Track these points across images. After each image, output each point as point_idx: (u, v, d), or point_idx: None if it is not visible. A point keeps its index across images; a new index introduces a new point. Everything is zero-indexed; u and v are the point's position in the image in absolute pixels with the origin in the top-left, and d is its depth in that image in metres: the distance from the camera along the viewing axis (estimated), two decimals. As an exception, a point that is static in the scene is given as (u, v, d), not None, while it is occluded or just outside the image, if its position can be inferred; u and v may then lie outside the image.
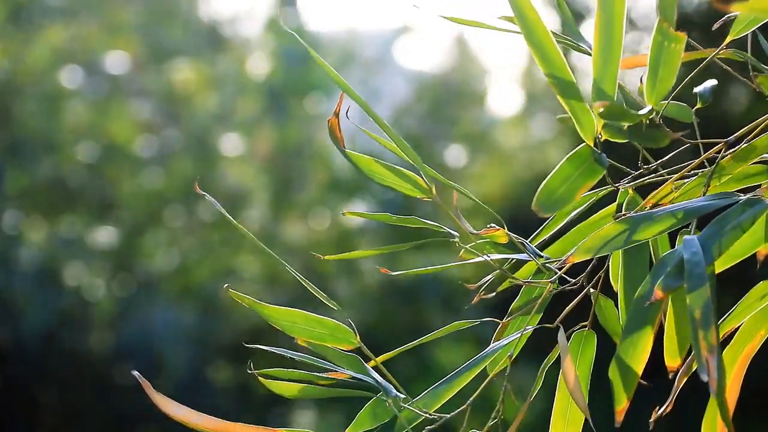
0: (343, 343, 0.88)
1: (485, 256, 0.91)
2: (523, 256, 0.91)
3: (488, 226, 0.91)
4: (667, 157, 0.95)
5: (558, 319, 0.90)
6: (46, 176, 5.68)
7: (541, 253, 0.92)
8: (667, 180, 0.91)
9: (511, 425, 0.88)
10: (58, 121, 5.69)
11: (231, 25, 6.74)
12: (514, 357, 0.91)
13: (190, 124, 6.14)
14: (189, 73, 6.21)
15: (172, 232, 5.87)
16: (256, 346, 0.91)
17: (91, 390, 5.34)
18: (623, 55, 0.84)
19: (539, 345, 0.94)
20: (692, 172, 0.92)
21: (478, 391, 0.88)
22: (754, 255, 0.88)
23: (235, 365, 5.55)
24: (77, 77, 5.99)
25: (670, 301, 0.85)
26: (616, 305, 0.93)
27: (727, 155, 0.90)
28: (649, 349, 0.82)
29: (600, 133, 0.84)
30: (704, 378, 0.71)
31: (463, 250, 0.92)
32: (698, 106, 0.94)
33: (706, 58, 0.96)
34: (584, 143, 0.84)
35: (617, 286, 0.93)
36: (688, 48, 0.93)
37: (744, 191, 0.84)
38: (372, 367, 0.88)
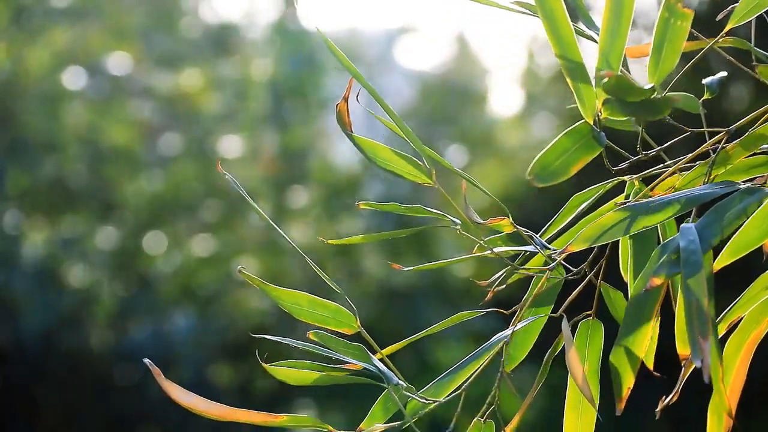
0: (345, 327, 0.90)
1: (491, 249, 0.91)
2: (529, 248, 0.91)
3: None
4: (669, 143, 0.95)
5: (561, 308, 0.90)
6: (47, 177, 5.68)
7: (548, 245, 0.92)
8: (674, 173, 0.91)
9: (513, 418, 0.88)
10: (60, 122, 5.69)
11: (234, 28, 6.74)
12: (527, 351, 0.91)
13: (192, 126, 6.14)
14: (192, 76, 6.21)
15: (174, 234, 5.87)
16: (262, 336, 0.91)
17: (91, 390, 5.34)
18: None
19: (543, 342, 0.94)
20: (695, 163, 0.91)
21: (473, 374, 0.89)
22: (761, 248, 0.88)
23: (235, 366, 5.55)
24: (80, 78, 5.99)
25: (680, 289, 0.84)
26: (626, 296, 0.92)
27: (729, 145, 0.89)
28: (650, 336, 0.83)
29: (600, 111, 0.84)
30: (697, 364, 0.71)
31: (477, 245, 0.92)
32: (705, 96, 0.93)
33: (707, 49, 0.95)
34: (583, 120, 0.84)
35: (627, 276, 0.93)
36: (689, 39, 0.93)
37: (748, 182, 0.84)
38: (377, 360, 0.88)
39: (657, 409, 0.89)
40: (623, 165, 0.93)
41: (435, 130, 6.74)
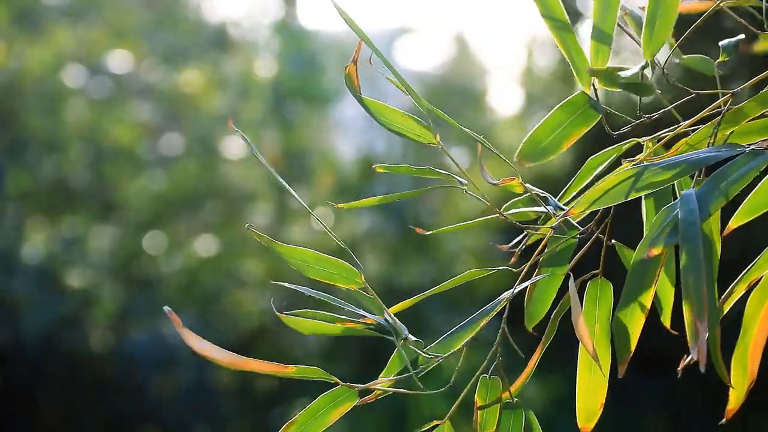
0: (351, 283, 0.91)
1: (501, 213, 0.91)
2: (540, 209, 0.91)
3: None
4: (674, 104, 0.94)
5: (568, 267, 0.89)
6: (48, 177, 5.68)
7: (560, 205, 0.92)
8: (681, 133, 0.90)
9: (519, 377, 0.87)
10: (61, 121, 5.69)
11: (236, 28, 6.74)
12: (547, 308, 0.90)
13: (194, 125, 6.14)
14: (193, 75, 6.21)
15: (175, 234, 5.87)
16: (279, 282, 0.92)
17: (91, 391, 5.34)
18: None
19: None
20: (704, 125, 0.90)
21: (479, 327, 0.89)
22: None
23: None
24: (81, 78, 5.99)
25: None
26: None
27: (735, 107, 0.88)
28: (650, 304, 0.82)
29: (595, 81, 0.84)
30: (694, 354, 0.69)
31: (493, 215, 0.93)
32: (721, 59, 0.92)
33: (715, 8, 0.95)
34: (580, 91, 0.84)
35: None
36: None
37: (753, 145, 0.83)
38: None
39: (678, 368, 0.88)
40: (626, 128, 0.92)
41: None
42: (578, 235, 0.91)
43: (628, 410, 4.28)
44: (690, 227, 0.73)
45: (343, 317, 0.89)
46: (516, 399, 0.89)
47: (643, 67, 0.81)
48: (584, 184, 0.95)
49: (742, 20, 0.95)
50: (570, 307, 0.83)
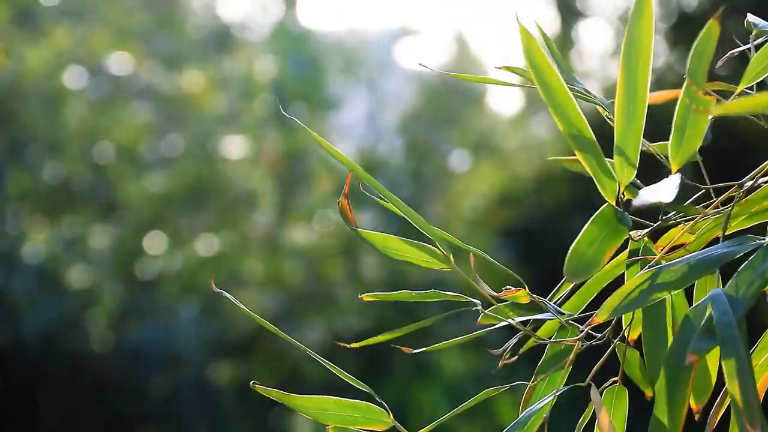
0: (378, 425, 0.87)
1: (509, 320, 0.89)
2: (545, 316, 0.89)
3: (506, 287, 0.90)
4: (687, 202, 0.93)
5: (589, 377, 0.88)
6: (48, 177, 5.68)
7: (563, 311, 0.91)
8: (679, 223, 0.89)
9: None
10: (62, 122, 5.69)
11: (237, 29, 6.74)
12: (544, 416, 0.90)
13: (195, 126, 6.14)
14: (194, 76, 6.21)
15: (175, 234, 5.87)
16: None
17: (91, 391, 5.34)
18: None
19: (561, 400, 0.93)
20: (695, 216, 0.90)
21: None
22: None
23: (236, 366, 5.55)
24: (81, 79, 5.99)
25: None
26: (641, 353, 0.91)
27: (741, 200, 0.88)
28: (686, 410, 0.80)
29: (623, 193, 0.83)
30: None
31: (481, 315, 0.91)
32: (699, 144, 0.92)
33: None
34: (607, 203, 0.83)
35: (633, 334, 0.92)
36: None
37: (759, 226, 0.83)
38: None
39: None
40: (644, 233, 0.90)
41: (438, 134, 6.74)
42: (597, 342, 0.90)
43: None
44: (727, 329, 0.73)
45: None
46: None
47: (677, 184, 0.80)
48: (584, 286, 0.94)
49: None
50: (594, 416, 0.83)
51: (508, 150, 6.59)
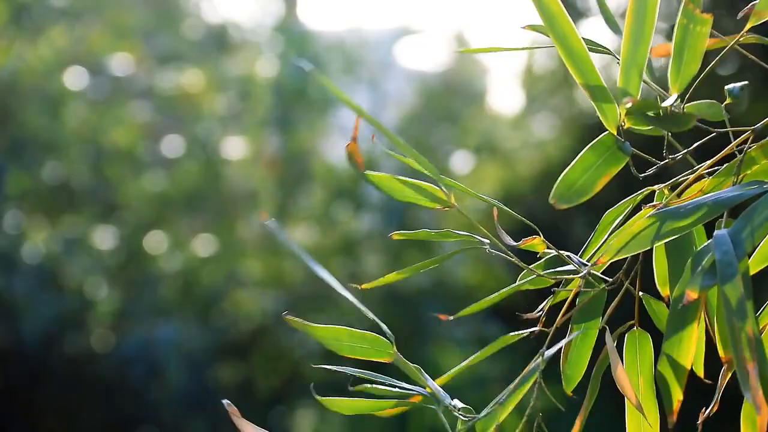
0: (383, 356, 0.90)
1: (534, 271, 0.89)
2: (568, 267, 0.89)
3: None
4: (695, 145, 0.93)
5: (602, 321, 0.88)
6: (48, 177, 5.68)
7: (583, 261, 0.90)
8: (702, 177, 0.89)
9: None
10: (61, 122, 5.68)
11: (237, 29, 6.73)
12: (584, 369, 0.89)
13: (195, 126, 6.13)
14: (194, 76, 6.20)
15: (176, 234, 5.87)
16: (322, 366, 0.92)
17: (91, 392, 5.33)
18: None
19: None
20: (722, 166, 0.89)
21: (518, 398, 0.86)
22: None
23: (236, 365, 5.55)
24: (81, 78, 5.99)
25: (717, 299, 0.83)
26: (667, 306, 0.90)
27: (755, 144, 0.87)
28: (695, 346, 0.81)
29: (623, 121, 0.83)
30: (748, 398, 0.68)
31: (521, 282, 0.91)
32: (728, 101, 0.92)
33: (728, 48, 0.94)
34: (607, 131, 0.83)
35: (662, 287, 0.91)
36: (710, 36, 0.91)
37: None
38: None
39: (698, 422, 0.87)
40: (650, 171, 0.91)
41: (437, 131, 6.73)
42: (608, 287, 0.90)
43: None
44: (728, 268, 0.73)
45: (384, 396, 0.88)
46: None
47: (675, 102, 0.80)
48: (605, 237, 0.93)
49: (753, 56, 0.94)
50: (609, 362, 0.82)
51: (509, 150, 6.58)
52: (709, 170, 0.90)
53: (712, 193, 0.82)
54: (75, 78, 5.95)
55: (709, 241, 0.77)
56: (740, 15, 0.91)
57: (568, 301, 0.90)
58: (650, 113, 0.80)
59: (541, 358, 0.86)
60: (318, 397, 0.87)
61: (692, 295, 0.75)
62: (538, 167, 5.80)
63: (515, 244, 0.90)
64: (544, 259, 0.92)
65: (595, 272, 0.89)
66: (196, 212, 5.99)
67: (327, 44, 6.83)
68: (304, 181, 6.17)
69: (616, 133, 0.83)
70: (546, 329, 0.91)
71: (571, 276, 0.89)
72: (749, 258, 0.81)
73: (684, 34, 0.83)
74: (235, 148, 6.24)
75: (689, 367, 0.80)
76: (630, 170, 0.90)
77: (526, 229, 0.94)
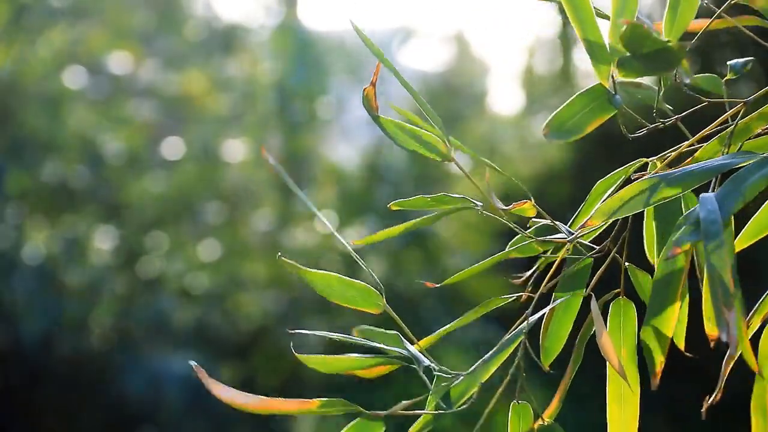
0: (372, 307, 0.90)
1: (516, 227, 0.91)
2: (558, 236, 0.90)
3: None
4: (686, 112, 0.94)
5: (588, 288, 0.88)
6: (48, 177, 5.68)
7: (569, 230, 0.91)
8: (691, 148, 0.90)
9: (550, 403, 0.86)
10: (61, 122, 5.68)
11: (239, 30, 6.73)
12: (564, 341, 0.89)
13: (196, 127, 6.13)
14: (196, 77, 6.20)
15: (177, 236, 5.87)
16: (298, 330, 0.93)
17: (91, 392, 5.33)
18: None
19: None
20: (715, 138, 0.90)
21: (496, 366, 0.87)
22: None
23: (237, 366, 5.55)
24: (81, 79, 5.99)
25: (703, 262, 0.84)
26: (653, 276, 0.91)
27: (747, 117, 0.88)
28: (678, 310, 0.82)
29: (614, 72, 0.85)
30: (723, 337, 0.70)
31: (510, 244, 0.92)
32: (729, 77, 0.92)
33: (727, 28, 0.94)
34: (599, 83, 0.85)
35: (652, 256, 0.92)
36: (709, 15, 0.93)
37: None
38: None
39: (702, 410, 0.87)
40: (640, 132, 0.92)
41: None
42: (594, 255, 0.90)
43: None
44: (712, 225, 0.74)
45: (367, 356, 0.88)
46: (550, 422, 0.87)
47: (668, 41, 0.81)
48: (597, 205, 0.94)
49: (753, 35, 0.95)
50: (593, 330, 0.83)
51: (509, 150, 6.58)
52: (701, 144, 0.90)
53: (702, 162, 0.83)
54: (75, 78, 5.95)
55: (697, 205, 0.78)
56: None
57: (554, 267, 0.91)
58: (642, 50, 0.80)
59: (526, 321, 0.86)
60: (296, 354, 0.87)
61: (678, 250, 0.76)
62: (538, 168, 5.80)
63: (506, 207, 0.92)
64: (534, 227, 0.93)
65: (582, 241, 0.90)
66: (197, 214, 5.99)
67: (328, 45, 6.83)
68: (306, 182, 6.17)
69: (608, 86, 0.85)
70: (532, 294, 0.91)
71: (561, 241, 0.90)
72: (743, 231, 0.83)
73: None
74: (236, 149, 6.24)
75: (672, 331, 0.82)
76: (632, 154, 0.90)
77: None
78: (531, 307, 0.88)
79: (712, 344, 0.84)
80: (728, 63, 0.92)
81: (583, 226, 0.86)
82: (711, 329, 0.85)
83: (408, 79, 0.95)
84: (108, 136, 5.78)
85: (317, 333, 0.90)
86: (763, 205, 0.80)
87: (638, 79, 0.92)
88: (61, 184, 5.71)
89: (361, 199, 5.99)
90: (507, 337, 0.86)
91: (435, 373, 0.87)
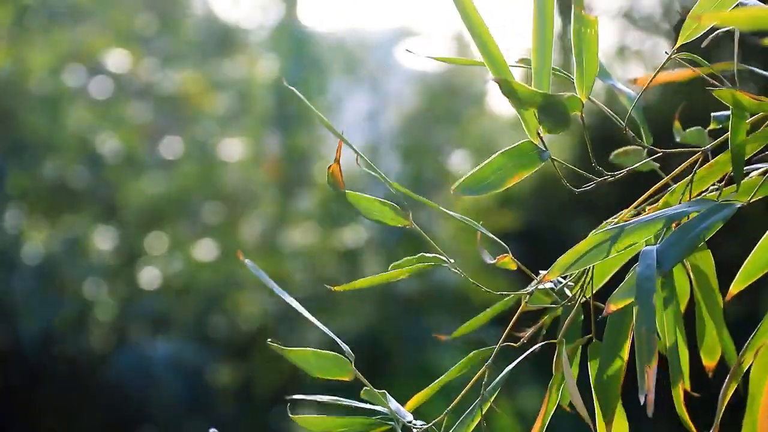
0: (344, 374, 0.96)
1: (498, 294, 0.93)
2: (530, 289, 0.94)
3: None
4: (618, 173, 0.96)
5: (561, 334, 0.90)
6: (48, 177, 5.68)
7: (545, 284, 0.93)
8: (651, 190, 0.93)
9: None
10: (61, 122, 5.69)
11: (237, 30, 6.73)
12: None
13: (194, 127, 6.13)
14: (194, 77, 6.20)
15: (175, 236, 5.87)
16: (296, 397, 0.97)
17: (90, 392, 5.33)
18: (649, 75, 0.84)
19: (543, 366, 0.94)
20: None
21: (467, 388, 0.93)
22: None
23: (235, 367, 5.55)
24: (81, 79, 5.99)
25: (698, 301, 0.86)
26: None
27: (705, 165, 0.91)
28: (626, 360, 0.84)
29: (540, 129, 0.89)
30: (641, 398, 0.72)
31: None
32: (712, 126, 0.95)
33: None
34: (527, 140, 0.89)
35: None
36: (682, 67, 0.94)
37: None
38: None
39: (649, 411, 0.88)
40: (591, 184, 0.95)
41: (436, 132, 6.73)
42: (567, 303, 0.93)
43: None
44: (646, 282, 0.75)
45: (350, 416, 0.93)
46: None
47: (541, 92, 0.83)
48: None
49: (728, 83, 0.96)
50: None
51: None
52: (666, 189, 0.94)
53: (661, 210, 0.85)
54: (75, 78, 5.95)
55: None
56: (705, 44, 0.94)
57: (542, 322, 0.95)
58: (522, 100, 0.84)
59: (494, 374, 0.90)
60: (291, 415, 0.94)
61: (612, 307, 0.79)
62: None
63: (492, 261, 0.95)
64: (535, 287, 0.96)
65: (564, 289, 0.93)
66: (195, 214, 5.99)
67: (327, 45, 6.83)
68: (304, 183, 6.17)
69: (536, 141, 0.89)
70: (513, 345, 0.94)
71: (523, 293, 0.95)
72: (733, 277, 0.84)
73: (579, 39, 0.88)
74: (234, 149, 6.24)
75: (623, 374, 0.83)
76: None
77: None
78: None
79: (710, 374, 0.86)
80: (712, 115, 0.94)
81: (539, 282, 0.88)
82: (707, 360, 0.87)
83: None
84: (107, 135, 5.79)
85: (306, 398, 0.95)
86: (756, 247, 0.82)
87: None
88: (60, 184, 5.71)
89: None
90: (482, 395, 0.89)
91: (414, 430, 0.90)
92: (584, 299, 0.93)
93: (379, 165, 6.21)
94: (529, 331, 0.94)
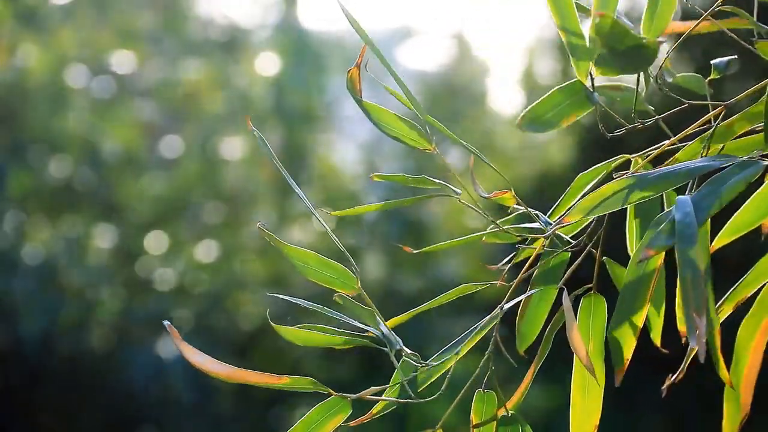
0: (348, 289, 0.92)
1: (497, 224, 0.91)
2: (534, 225, 0.91)
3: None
4: (667, 113, 0.94)
5: (561, 281, 0.89)
6: (49, 177, 5.67)
7: (549, 221, 0.92)
8: (674, 147, 0.91)
9: (514, 393, 0.87)
10: (63, 122, 5.68)
11: (239, 29, 6.73)
12: (539, 328, 0.90)
13: (195, 127, 6.13)
14: (196, 76, 6.20)
15: (176, 236, 5.86)
16: (275, 295, 0.94)
17: (90, 392, 5.33)
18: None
19: (543, 366, 0.93)
20: (695, 140, 0.90)
21: (468, 348, 0.87)
22: (758, 230, 0.88)
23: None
24: (83, 78, 5.98)
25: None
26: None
27: (727, 120, 0.89)
28: (647, 307, 0.83)
29: (593, 69, 0.86)
30: (693, 343, 0.70)
31: (485, 232, 0.93)
32: (712, 76, 0.93)
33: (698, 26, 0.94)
34: (577, 79, 0.86)
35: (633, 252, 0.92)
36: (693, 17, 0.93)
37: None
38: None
39: (663, 387, 0.88)
40: (619, 132, 0.92)
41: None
42: (570, 249, 0.91)
43: (625, 413, 4.27)
44: (687, 229, 0.74)
45: (340, 330, 0.89)
46: (512, 413, 0.88)
47: (641, 37, 0.82)
48: (576, 199, 0.95)
49: (734, 35, 0.95)
50: (564, 322, 0.83)
51: (509, 150, 6.58)
52: (683, 144, 0.91)
53: (682, 163, 0.84)
54: (77, 78, 5.95)
55: (671, 208, 0.78)
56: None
57: (531, 259, 0.92)
58: (618, 46, 0.81)
59: (499, 309, 0.87)
60: (273, 324, 0.88)
61: (650, 252, 0.76)
62: (538, 168, 5.80)
63: (486, 195, 0.92)
64: (514, 215, 0.94)
65: (560, 234, 0.91)
66: (196, 213, 5.99)
67: (327, 44, 6.83)
68: (304, 180, 6.17)
69: (586, 82, 0.86)
70: (507, 284, 0.91)
71: (537, 235, 0.91)
72: (715, 234, 0.83)
73: None
74: (234, 148, 6.24)
75: (640, 326, 0.82)
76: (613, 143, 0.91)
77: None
78: (507, 296, 0.89)
79: (683, 340, 0.85)
80: (712, 62, 0.93)
81: (559, 222, 0.86)
82: (682, 325, 0.86)
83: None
84: (107, 135, 5.78)
85: (291, 299, 0.91)
86: (744, 203, 0.81)
87: (621, 82, 0.93)
88: (61, 184, 5.71)
89: (357, 196, 5.98)
90: (480, 323, 0.88)
91: (404, 357, 0.88)
92: (587, 247, 0.91)
93: (380, 164, 6.22)
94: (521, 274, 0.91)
